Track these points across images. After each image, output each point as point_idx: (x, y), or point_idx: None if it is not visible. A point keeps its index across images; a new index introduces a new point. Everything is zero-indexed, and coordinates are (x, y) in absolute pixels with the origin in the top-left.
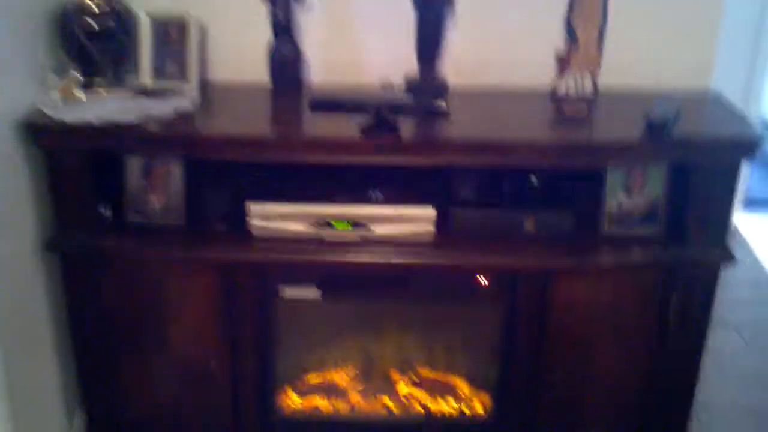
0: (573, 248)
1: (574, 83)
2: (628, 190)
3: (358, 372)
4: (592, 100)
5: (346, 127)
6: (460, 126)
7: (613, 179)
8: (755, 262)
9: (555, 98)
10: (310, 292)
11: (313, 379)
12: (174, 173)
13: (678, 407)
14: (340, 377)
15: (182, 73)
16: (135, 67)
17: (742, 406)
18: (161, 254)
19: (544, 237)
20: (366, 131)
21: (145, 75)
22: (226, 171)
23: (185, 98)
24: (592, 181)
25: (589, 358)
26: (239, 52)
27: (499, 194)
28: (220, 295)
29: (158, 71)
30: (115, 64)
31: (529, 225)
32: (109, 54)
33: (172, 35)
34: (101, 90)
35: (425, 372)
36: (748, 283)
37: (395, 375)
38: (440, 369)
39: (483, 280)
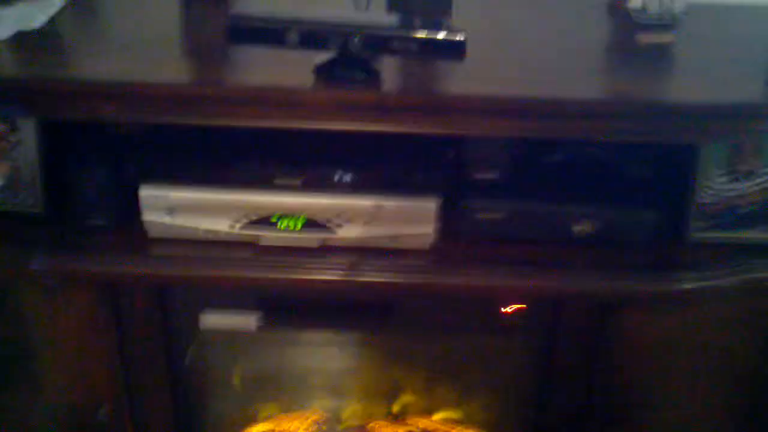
0: (644, 264)
1: None
2: (732, 174)
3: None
4: (681, 20)
5: (291, 69)
6: (473, 67)
7: (710, 157)
8: None
9: (622, 15)
10: (242, 321)
11: None
12: (23, 135)
13: None
14: None
15: None
16: None
17: None
18: (12, 258)
19: (601, 246)
20: (323, 74)
21: None
22: (107, 134)
23: (44, 10)
24: (676, 159)
25: (659, 419)
26: None
27: (535, 179)
28: (106, 322)
29: None
30: None
31: (579, 227)
32: None
33: None
34: None
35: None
36: None
37: None
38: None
39: (509, 310)
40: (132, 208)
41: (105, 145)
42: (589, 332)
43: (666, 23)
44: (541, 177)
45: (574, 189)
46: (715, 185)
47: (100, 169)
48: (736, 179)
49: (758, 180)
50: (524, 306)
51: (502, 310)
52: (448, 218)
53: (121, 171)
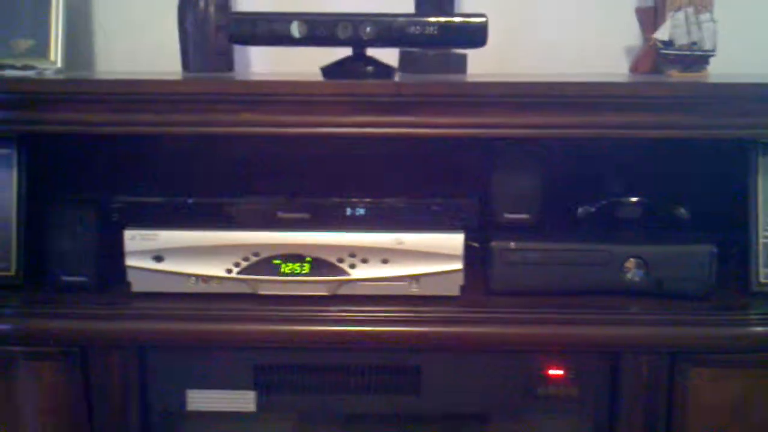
0: (707, 312)
1: None
2: None
3: None
4: None
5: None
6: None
7: None
8: None
9: None
10: (236, 399)
11: None
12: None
13: None
14: None
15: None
16: None
17: None
18: None
19: (660, 293)
20: (332, 73)
21: None
22: (86, 178)
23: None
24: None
25: None
26: None
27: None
28: (74, 397)
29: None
30: None
31: (633, 271)
32: None
33: None
34: None
35: None
36: None
37: None
38: None
39: (555, 371)
40: (118, 261)
41: (84, 191)
42: (653, 396)
43: None
44: (585, 213)
45: (624, 229)
46: None
47: (77, 219)
48: None
49: None
50: (568, 372)
51: (548, 374)
52: (478, 262)
53: (103, 218)
